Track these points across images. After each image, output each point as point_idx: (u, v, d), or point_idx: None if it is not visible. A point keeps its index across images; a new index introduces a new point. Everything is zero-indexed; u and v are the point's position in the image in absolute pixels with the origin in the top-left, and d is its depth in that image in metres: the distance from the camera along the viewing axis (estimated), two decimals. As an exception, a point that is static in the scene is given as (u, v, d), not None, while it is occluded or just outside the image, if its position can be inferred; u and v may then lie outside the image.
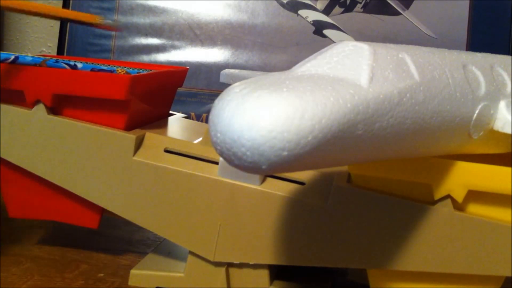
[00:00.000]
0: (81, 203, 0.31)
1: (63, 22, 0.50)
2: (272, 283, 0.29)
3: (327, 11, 0.53)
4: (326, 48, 0.20)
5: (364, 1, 0.53)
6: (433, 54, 0.22)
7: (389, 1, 0.53)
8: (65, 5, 0.50)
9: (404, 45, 0.22)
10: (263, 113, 0.15)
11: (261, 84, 0.16)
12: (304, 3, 0.52)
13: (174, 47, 0.50)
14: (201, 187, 0.28)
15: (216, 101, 0.17)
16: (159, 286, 0.30)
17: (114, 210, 0.30)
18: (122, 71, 0.32)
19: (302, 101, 0.16)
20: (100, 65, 0.33)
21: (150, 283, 0.30)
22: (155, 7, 0.50)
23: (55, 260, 0.33)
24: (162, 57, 0.50)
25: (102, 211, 0.31)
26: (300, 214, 0.27)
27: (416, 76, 0.20)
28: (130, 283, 0.30)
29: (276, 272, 0.30)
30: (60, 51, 0.50)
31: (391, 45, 0.21)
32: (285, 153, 0.16)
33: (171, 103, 0.37)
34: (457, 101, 0.21)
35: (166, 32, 0.50)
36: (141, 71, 0.34)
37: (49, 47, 0.58)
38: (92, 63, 0.35)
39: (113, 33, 0.50)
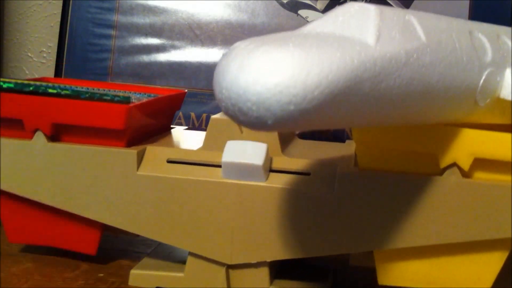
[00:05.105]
0: (80, 229, 0.32)
1: (63, 22, 0.50)
2: (272, 283, 0.29)
3: (327, 11, 0.52)
4: (331, 10, 0.20)
5: (364, 2, 0.53)
6: (439, 19, 0.22)
7: (389, 1, 0.53)
8: (65, 5, 0.50)
9: (410, 9, 0.22)
10: (269, 67, 0.15)
11: (267, 40, 0.16)
12: (304, 3, 0.52)
13: (174, 47, 0.50)
14: (208, 192, 0.28)
15: (221, 58, 0.16)
16: (159, 286, 0.30)
17: (124, 227, 0.30)
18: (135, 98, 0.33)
19: (309, 56, 0.16)
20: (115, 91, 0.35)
21: (150, 283, 0.30)
22: (155, 7, 0.50)
23: (55, 260, 0.33)
24: (162, 57, 0.50)
25: (100, 237, 0.32)
26: (309, 204, 0.27)
27: (423, 38, 0.20)
28: (130, 283, 0.30)
29: (276, 272, 0.30)
30: (60, 51, 0.50)
31: (398, 8, 0.21)
32: (292, 107, 0.15)
33: (170, 125, 0.37)
34: (464, 66, 0.21)
35: (166, 32, 0.50)
36: (140, 95, 0.35)
37: (49, 47, 0.58)
38: (99, 89, 0.36)
39: (113, 33, 0.50)
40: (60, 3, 0.51)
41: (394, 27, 0.19)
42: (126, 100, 0.30)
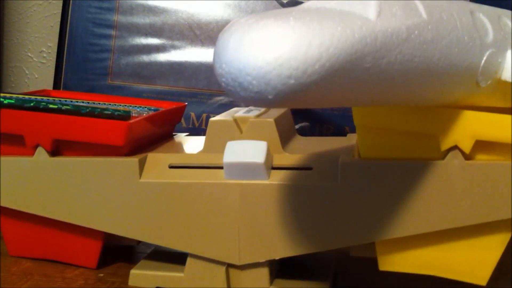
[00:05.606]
0: (80, 243, 0.32)
1: (63, 22, 0.50)
2: (272, 283, 0.29)
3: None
4: None
5: None
6: None
7: None
8: (65, 5, 0.50)
9: None
10: (269, 40, 0.15)
11: (267, 15, 0.16)
12: (303, 3, 0.52)
13: (174, 47, 0.50)
14: (212, 194, 0.28)
15: (221, 33, 0.16)
16: (159, 286, 0.30)
17: (130, 235, 0.30)
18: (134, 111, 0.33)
19: (309, 29, 0.15)
20: (117, 104, 0.35)
21: (150, 283, 0.30)
22: (155, 7, 0.50)
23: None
24: (162, 57, 0.50)
25: (100, 251, 0.32)
26: (314, 198, 0.27)
27: (424, 15, 0.20)
28: (130, 283, 0.30)
29: (276, 272, 0.30)
30: (60, 51, 0.50)
31: None
32: (292, 81, 0.15)
33: (171, 134, 0.38)
34: (465, 45, 0.21)
35: (166, 32, 0.50)
36: (141, 108, 0.36)
37: (49, 47, 0.58)
38: (99, 103, 0.36)
39: (113, 33, 0.50)
40: (60, 3, 0.51)
41: (395, 3, 0.19)
42: (127, 115, 0.30)
